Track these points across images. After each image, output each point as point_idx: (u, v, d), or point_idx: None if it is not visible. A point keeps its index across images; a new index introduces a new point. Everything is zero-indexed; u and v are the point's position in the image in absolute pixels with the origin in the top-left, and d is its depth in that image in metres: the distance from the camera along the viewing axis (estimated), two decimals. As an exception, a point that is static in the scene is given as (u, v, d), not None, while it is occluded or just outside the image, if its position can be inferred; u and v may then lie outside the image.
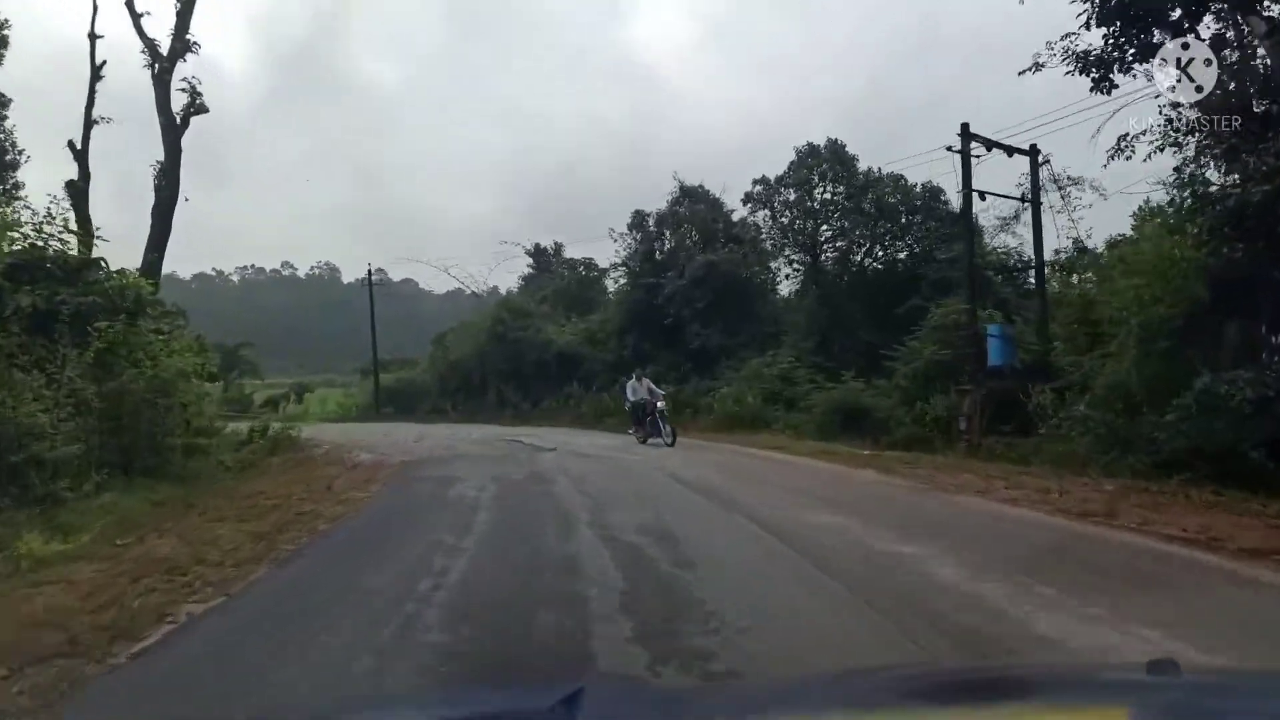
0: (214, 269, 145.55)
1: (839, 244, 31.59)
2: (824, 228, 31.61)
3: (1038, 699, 1.69)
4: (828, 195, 30.90)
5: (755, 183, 31.98)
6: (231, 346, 60.35)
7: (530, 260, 46.36)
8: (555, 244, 46.10)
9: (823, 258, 32.19)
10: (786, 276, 33.44)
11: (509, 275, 65.93)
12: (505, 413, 37.54)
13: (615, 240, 36.02)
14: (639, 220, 35.84)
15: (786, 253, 32.55)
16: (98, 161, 21.13)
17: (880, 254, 30.95)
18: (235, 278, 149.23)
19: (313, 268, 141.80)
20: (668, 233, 35.24)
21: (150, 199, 21.26)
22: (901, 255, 30.45)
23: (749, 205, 32.41)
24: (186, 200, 21.45)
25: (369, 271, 45.00)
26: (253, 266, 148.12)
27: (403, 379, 44.50)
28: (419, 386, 43.25)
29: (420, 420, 36.76)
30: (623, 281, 36.70)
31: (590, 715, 1.48)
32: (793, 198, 31.57)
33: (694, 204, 34.69)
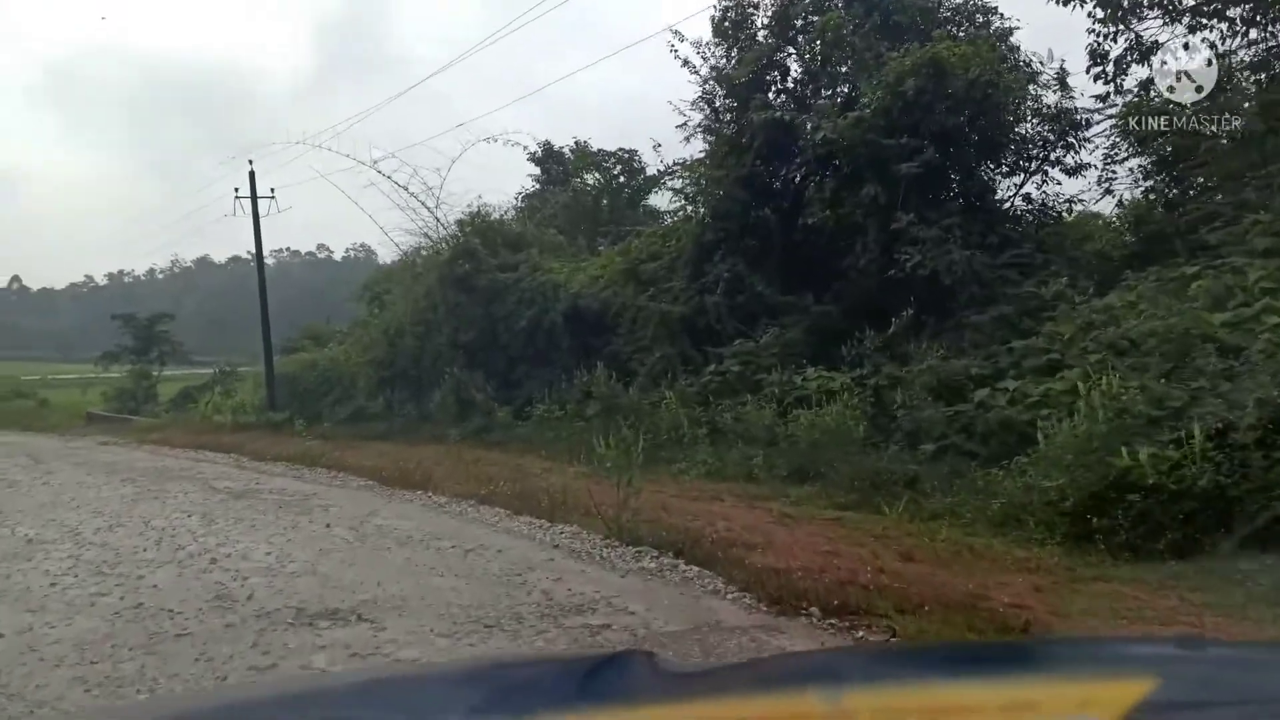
0: (249, 253, 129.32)
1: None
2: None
3: (1062, 669, 1.52)
4: None
5: None
6: (145, 320, 40.84)
7: (537, 170, 25.91)
8: (577, 143, 25.47)
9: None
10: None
11: (499, 193, 43.78)
12: (466, 426, 17.32)
13: (681, 60, 15.33)
14: (735, 17, 15.12)
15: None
16: None
17: None
18: (271, 260, 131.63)
19: (348, 250, 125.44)
20: (800, 41, 14.58)
21: None
22: None
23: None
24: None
25: (252, 181, 24.66)
26: (288, 249, 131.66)
27: (313, 363, 24.30)
28: (336, 375, 23.12)
29: (259, 454, 16.48)
30: (701, 156, 15.96)
31: (619, 683, 1.34)
32: None
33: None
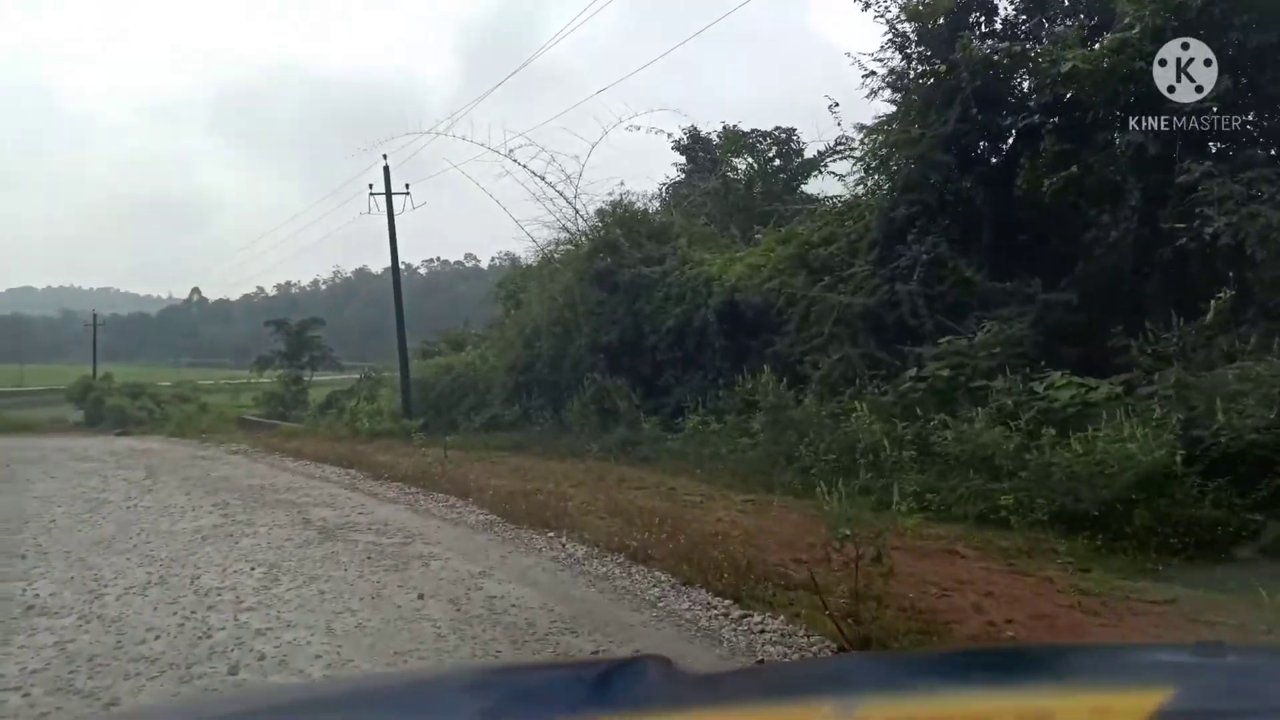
0: (403, 264, 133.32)
1: None
2: None
3: (1078, 677, 1.45)
4: None
5: None
6: (295, 326, 40.72)
7: (682, 158, 23.34)
8: (725, 128, 22.70)
9: None
10: None
11: (644, 178, 39.61)
12: (608, 438, 14.98)
13: (863, 2, 12.41)
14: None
15: None
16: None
17: None
18: (422, 270, 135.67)
19: (493, 258, 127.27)
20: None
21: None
22: None
23: None
24: None
25: (386, 176, 23.00)
26: (439, 259, 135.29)
27: (448, 368, 22.45)
28: (471, 380, 21.19)
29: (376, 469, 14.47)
30: (885, 119, 12.95)
31: (633, 689, 1.29)
32: None
33: None
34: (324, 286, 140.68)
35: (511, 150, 18.93)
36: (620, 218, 17.81)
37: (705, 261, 15.95)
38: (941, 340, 10.53)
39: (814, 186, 21.04)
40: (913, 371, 10.38)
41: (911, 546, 6.94)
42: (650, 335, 16.27)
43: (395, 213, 22.43)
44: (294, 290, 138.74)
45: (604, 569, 6.25)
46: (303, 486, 11.38)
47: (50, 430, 34.94)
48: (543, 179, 18.71)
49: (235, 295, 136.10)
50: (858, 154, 13.34)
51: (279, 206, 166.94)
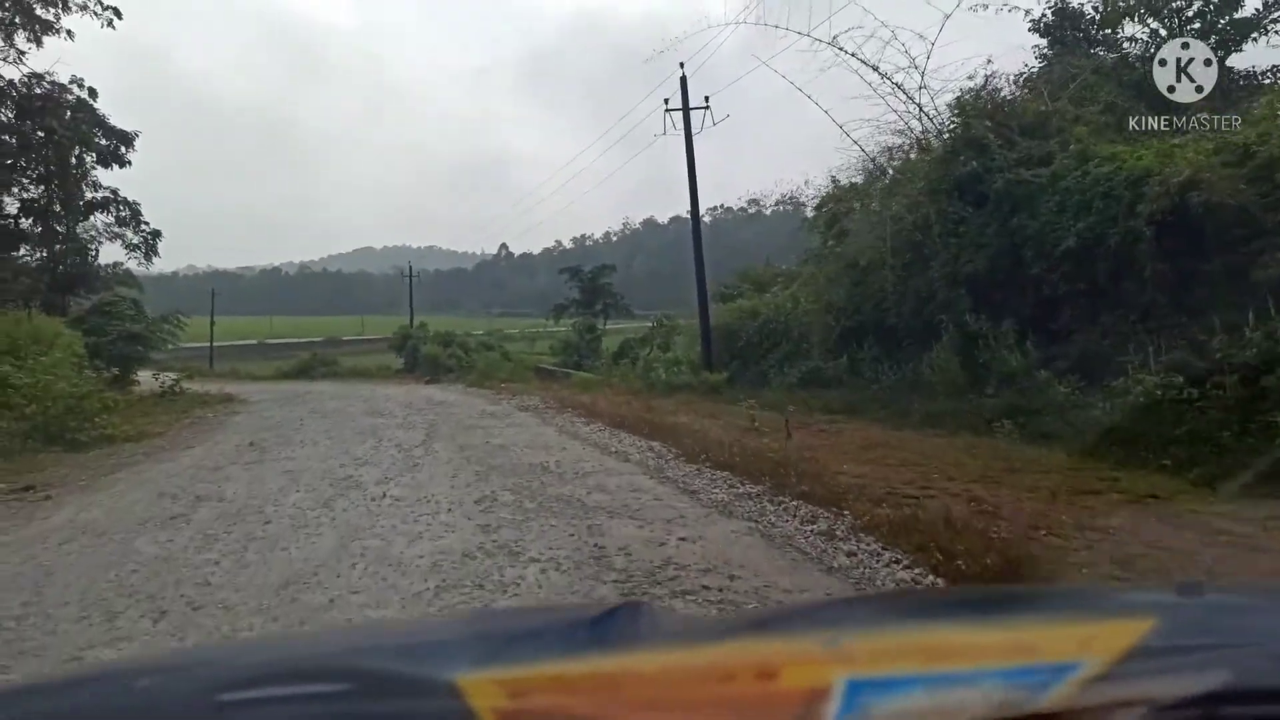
0: (687, 212, 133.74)
1: None
2: None
3: (1062, 614, 1.41)
4: None
5: None
6: (589, 273, 39.23)
7: (1042, 40, 17.78)
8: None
9: None
10: None
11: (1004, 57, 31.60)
12: (982, 403, 10.73)
13: None
14: None
15: None
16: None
17: None
18: (707, 218, 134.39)
19: (776, 203, 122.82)
20: None
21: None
22: None
23: None
24: None
25: (683, 87, 19.10)
26: (722, 207, 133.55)
27: (753, 313, 18.73)
28: (782, 327, 17.41)
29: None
30: None
31: (624, 631, 1.26)
32: None
33: None
34: (614, 238, 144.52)
35: (835, 37, 14.80)
36: (984, 109, 13.15)
37: (1122, 155, 11.03)
38: None
39: (1243, 60, 15.10)
40: None
41: None
42: (1035, 261, 11.70)
43: (693, 131, 18.97)
44: (588, 243, 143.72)
45: None
46: (595, 470, 8.30)
47: (374, 376, 36.12)
48: (875, 69, 14.43)
49: (537, 249, 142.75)
50: None
51: (576, 161, 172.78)
